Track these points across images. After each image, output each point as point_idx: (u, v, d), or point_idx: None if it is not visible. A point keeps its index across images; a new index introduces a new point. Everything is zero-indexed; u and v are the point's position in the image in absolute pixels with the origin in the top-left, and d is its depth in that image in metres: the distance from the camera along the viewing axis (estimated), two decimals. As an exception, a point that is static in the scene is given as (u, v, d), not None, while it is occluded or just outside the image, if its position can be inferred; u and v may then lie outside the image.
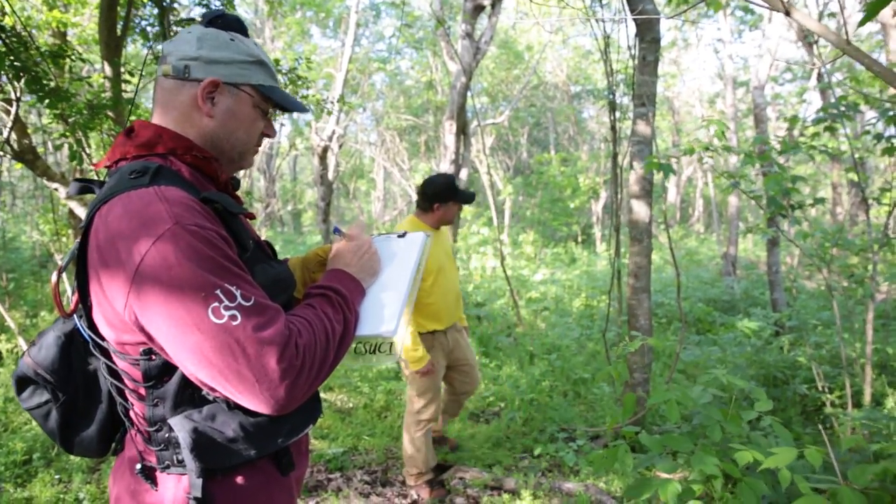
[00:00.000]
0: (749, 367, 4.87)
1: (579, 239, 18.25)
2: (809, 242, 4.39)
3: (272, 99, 1.20)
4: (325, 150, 9.03)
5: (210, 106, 1.14)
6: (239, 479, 1.10)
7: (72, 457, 3.60)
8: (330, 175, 9.43)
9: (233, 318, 0.93)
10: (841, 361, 4.28)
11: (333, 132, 8.91)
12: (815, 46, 7.12)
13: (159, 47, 4.75)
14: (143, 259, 0.93)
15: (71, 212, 6.80)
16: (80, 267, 1.06)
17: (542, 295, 9.51)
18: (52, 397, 1.15)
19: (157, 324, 0.95)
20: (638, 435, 2.18)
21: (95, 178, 1.28)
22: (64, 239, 7.06)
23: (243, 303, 0.95)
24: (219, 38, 1.15)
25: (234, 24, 1.20)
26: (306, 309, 1.11)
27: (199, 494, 1.05)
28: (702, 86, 21.95)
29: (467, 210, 14.09)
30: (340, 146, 11.10)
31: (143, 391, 1.07)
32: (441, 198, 3.22)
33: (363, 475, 3.61)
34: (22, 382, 1.15)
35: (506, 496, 3.33)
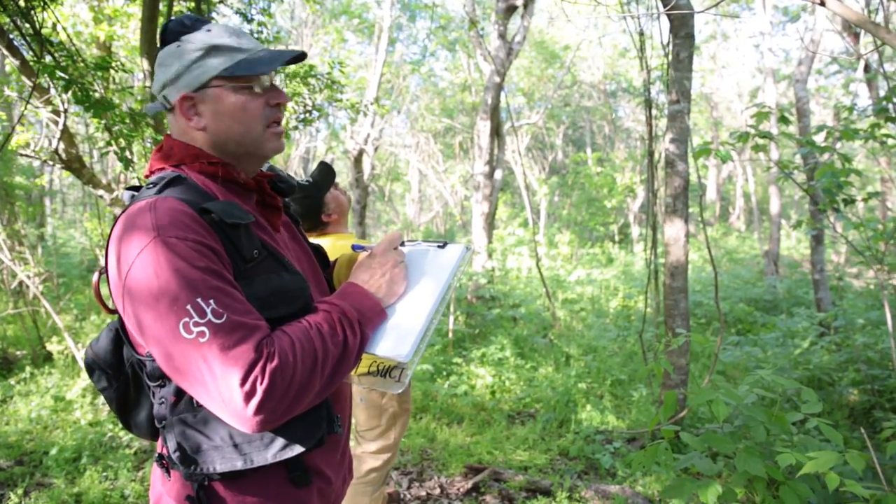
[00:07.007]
0: (792, 369, 4.73)
1: (616, 239, 18.01)
2: (858, 238, 4.24)
3: (243, 75, 1.11)
4: (361, 153, 9.12)
5: (196, 119, 1.13)
6: (239, 486, 1.09)
7: (118, 454, 3.73)
8: (365, 178, 9.51)
9: (201, 334, 0.93)
10: (891, 363, 4.13)
11: (368, 135, 9.00)
12: (860, 36, 6.89)
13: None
14: (129, 270, 0.98)
15: (115, 218, 7.03)
16: None
17: (578, 295, 9.43)
18: (107, 384, 1.21)
19: (142, 333, 0.99)
20: (678, 434, 2.13)
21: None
22: (110, 244, 7.28)
23: (213, 320, 0.94)
24: (167, 54, 1.13)
25: (176, 29, 1.14)
26: (298, 326, 1.04)
27: (191, 493, 1.07)
28: (741, 80, 21.41)
29: (503, 210, 14.02)
30: (376, 149, 11.18)
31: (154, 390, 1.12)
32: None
33: (399, 476, 3.64)
34: (89, 369, 1.22)
35: (541, 498, 3.30)
